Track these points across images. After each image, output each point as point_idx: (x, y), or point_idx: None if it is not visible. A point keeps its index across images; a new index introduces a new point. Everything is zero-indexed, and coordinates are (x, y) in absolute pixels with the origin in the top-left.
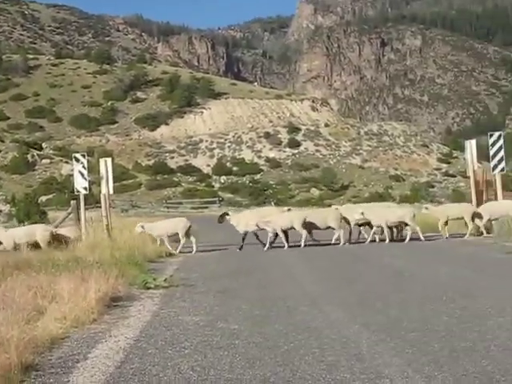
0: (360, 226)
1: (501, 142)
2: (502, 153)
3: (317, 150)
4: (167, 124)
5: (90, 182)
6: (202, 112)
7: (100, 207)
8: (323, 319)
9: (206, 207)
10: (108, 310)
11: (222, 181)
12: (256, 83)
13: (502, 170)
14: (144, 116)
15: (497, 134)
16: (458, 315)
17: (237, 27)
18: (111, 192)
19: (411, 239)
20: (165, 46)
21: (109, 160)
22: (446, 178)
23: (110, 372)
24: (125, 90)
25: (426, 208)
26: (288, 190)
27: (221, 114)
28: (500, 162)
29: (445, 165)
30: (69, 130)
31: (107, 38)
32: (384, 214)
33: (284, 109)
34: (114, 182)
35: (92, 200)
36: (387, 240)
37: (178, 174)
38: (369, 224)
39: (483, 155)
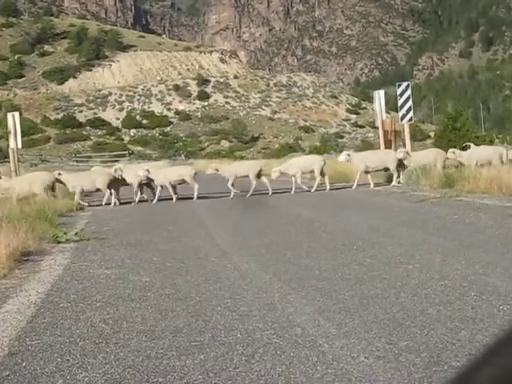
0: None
1: (409, 91)
2: (410, 103)
3: (226, 102)
4: (75, 77)
5: None
6: (111, 65)
7: (8, 162)
8: (234, 270)
9: (116, 161)
10: (19, 265)
11: (132, 134)
12: (164, 35)
13: (410, 119)
14: (52, 69)
15: (405, 84)
16: (368, 263)
17: None
18: (20, 146)
19: (319, 190)
20: None
21: (16, 114)
22: (355, 128)
23: (21, 327)
24: (32, 44)
25: (217, 169)
26: (198, 142)
27: (129, 66)
28: (408, 111)
29: (354, 115)
30: None
31: None
32: (166, 173)
33: (193, 61)
34: (22, 137)
35: (0, 155)
36: (174, 199)
37: (87, 128)
38: (150, 183)
39: (391, 105)
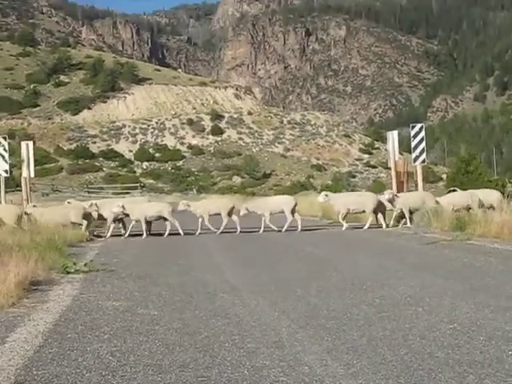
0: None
1: (422, 133)
2: (423, 144)
3: (240, 138)
4: (90, 108)
5: (10, 164)
6: (125, 97)
7: (20, 190)
8: (243, 306)
9: (128, 193)
10: (27, 294)
11: (144, 167)
12: (180, 69)
13: (423, 161)
14: (67, 100)
15: (418, 125)
16: (377, 304)
17: (162, 13)
18: (32, 175)
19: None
20: (89, 30)
21: (30, 143)
22: (367, 168)
23: (28, 356)
24: (48, 74)
25: (188, 205)
26: (210, 177)
27: (144, 99)
28: (421, 153)
29: (366, 155)
30: None
31: (31, 21)
32: (143, 208)
33: (208, 96)
34: (35, 166)
35: (13, 183)
36: (144, 235)
37: (100, 159)
38: (123, 218)
39: (404, 146)
